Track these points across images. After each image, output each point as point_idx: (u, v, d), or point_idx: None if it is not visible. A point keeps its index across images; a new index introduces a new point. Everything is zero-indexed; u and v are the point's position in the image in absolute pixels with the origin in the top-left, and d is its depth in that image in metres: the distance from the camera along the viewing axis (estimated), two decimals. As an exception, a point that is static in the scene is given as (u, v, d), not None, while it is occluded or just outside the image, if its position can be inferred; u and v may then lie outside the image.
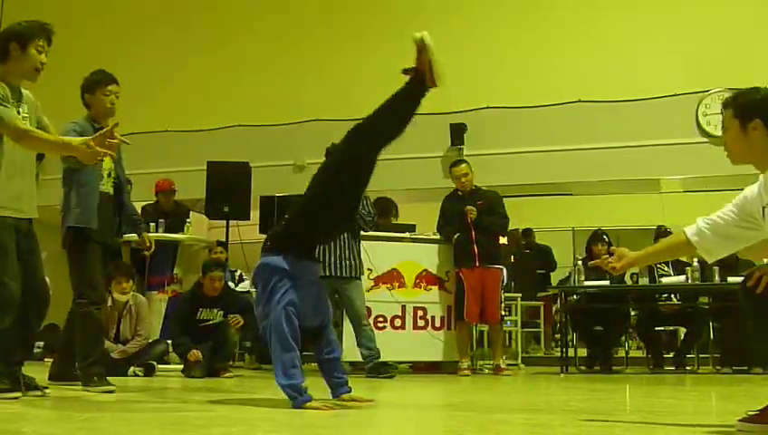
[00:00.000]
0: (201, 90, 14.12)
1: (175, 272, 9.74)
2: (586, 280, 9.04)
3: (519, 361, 10.12)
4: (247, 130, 13.85)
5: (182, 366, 7.93)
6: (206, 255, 10.43)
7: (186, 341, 7.86)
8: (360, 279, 8.13)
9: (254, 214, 12.02)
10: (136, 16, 14.76)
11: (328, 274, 7.85)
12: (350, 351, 8.15)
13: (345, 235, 7.96)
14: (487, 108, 12.75)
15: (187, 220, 9.99)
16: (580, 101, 12.50)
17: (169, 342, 8.33)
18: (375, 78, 13.60)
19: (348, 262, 7.97)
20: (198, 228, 10.69)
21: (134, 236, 6.52)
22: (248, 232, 12.31)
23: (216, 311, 8.12)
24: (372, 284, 8.54)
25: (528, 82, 12.90)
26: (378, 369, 7.83)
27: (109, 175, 5.93)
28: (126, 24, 14.67)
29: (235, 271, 11.05)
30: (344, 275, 7.97)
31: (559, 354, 9.44)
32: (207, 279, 8.14)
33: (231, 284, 10.04)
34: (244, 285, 10.88)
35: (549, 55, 13.03)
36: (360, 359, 8.13)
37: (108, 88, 5.88)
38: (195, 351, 7.73)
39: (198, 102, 14.03)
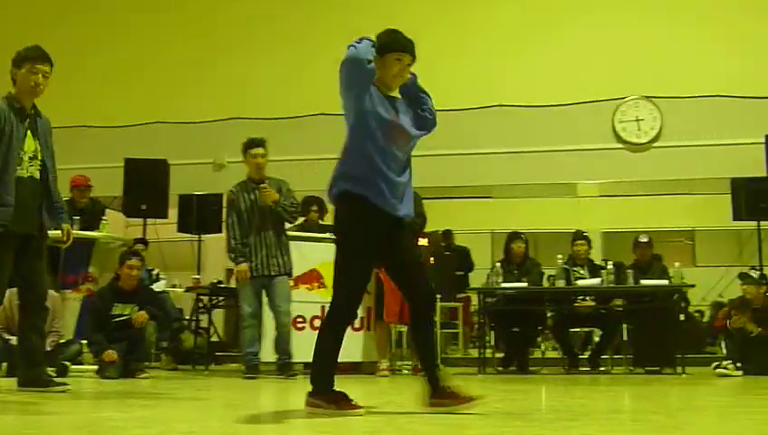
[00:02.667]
0: (118, 84, 13.90)
1: (90, 270, 9.53)
2: (503, 282, 9.15)
3: (438, 361, 10.17)
4: (166, 127, 13.69)
5: (96, 367, 7.78)
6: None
7: (101, 340, 7.71)
8: (288, 276, 8.08)
9: (173, 212, 11.87)
10: (51, 7, 14.45)
11: (256, 273, 7.84)
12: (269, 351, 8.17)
13: (272, 232, 7.94)
14: (409, 110, 12.79)
15: (103, 218, 9.79)
16: (500, 105, 12.66)
17: (84, 342, 8.15)
18: (300, 78, 13.62)
19: (275, 259, 7.93)
20: (115, 226, 10.50)
21: (57, 232, 5.89)
22: (166, 230, 12.16)
23: (130, 307, 7.96)
24: (292, 284, 8.49)
25: (450, 85, 13.00)
26: (285, 369, 7.84)
27: (33, 158, 5.53)
28: (41, 15, 14.34)
29: (152, 270, 10.88)
30: (272, 273, 7.92)
31: (477, 355, 9.52)
32: (125, 268, 7.99)
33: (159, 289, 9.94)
34: (160, 285, 10.72)
35: (470, 60, 13.16)
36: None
37: (36, 66, 5.53)
38: (110, 351, 7.58)
39: (116, 98, 13.81)
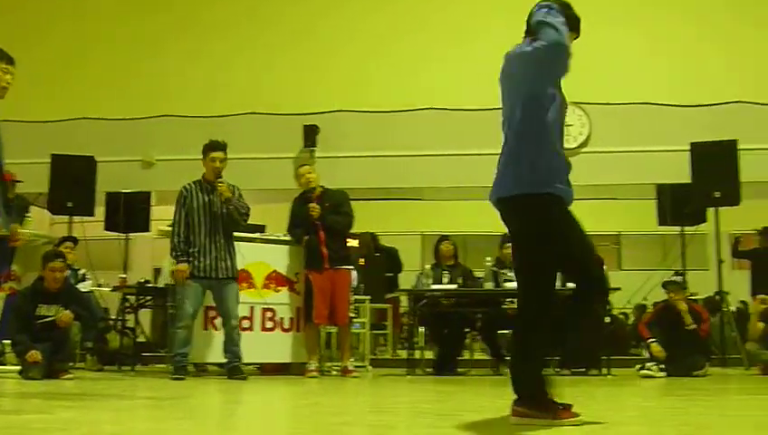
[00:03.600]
0: (46, 80, 13.63)
1: (13, 269, 9.32)
2: (433, 283, 9.19)
3: (367, 362, 10.19)
4: (94, 124, 13.46)
5: (19, 368, 7.61)
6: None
7: (24, 340, 7.54)
8: (235, 280, 8.05)
9: (99, 210, 11.69)
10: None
11: (204, 274, 7.80)
12: (200, 351, 8.10)
13: (222, 235, 7.94)
14: (341, 111, 12.82)
15: (27, 214, 9.58)
16: (431, 108, 12.73)
17: (6, 342, 7.96)
18: (230, 76, 13.53)
19: (224, 263, 7.91)
20: (39, 223, 10.30)
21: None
22: (92, 229, 11.96)
23: (55, 307, 7.80)
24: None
25: (381, 88, 13.05)
26: (233, 371, 7.78)
27: None
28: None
29: (78, 270, 10.68)
30: (220, 276, 7.88)
31: (406, 356, 9.55)
32: (48, 270, 7.82)
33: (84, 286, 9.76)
34: (86, 285, 10.54)
35: (400, 62, 13.22)
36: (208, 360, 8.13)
37: (8, 66, 5.42)
38: (34, 351, 7.41)
39: (43, 93, 13.53)
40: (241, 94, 13.20)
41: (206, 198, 7.95)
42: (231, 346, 7.90)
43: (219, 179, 7.94)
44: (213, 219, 7.92)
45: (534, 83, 3.88)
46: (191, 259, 7.81)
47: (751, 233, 12.06)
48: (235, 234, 8.64)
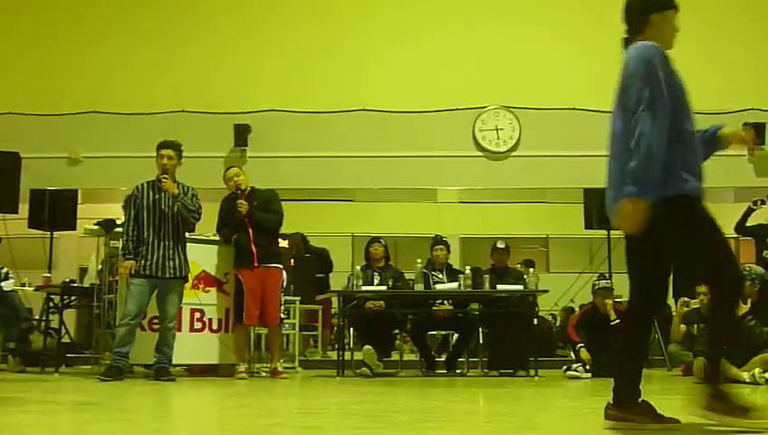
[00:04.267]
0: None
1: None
2: (364, 285, 9.19)
3: (296, 364, 10.16)
4: (18, 119, 13.15)
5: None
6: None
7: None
8: (183, 280, 8.04)
9: (24, 207, 11.44)
10: None
11: (149, 274, 7.76)
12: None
13: (171, 234, 7.91)
14: (273, 111, 12.75)
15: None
16: (363, 109, 12.73)
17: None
18: (162, 74, 13.35)
19: (171, 262, 7.86)
20: (-41, 221, 10.04)
21: None
22: (16, 226, 11.70)
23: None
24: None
25: (313, 88, 13.02)
26: (161, 373, 7.70)
27: None
28: None
29: (1, 268, 10.45)
30: (167, 275, 7.84)
31: (336, 357, 9.53)
32: None
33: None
34: (9, 284, 10.31)
35: (334, 63, 13.21)
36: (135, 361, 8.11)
37: None
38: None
39: (-35, 87, 13.21)
40: (173, 92, 13.04)
41: (155, 197, 7.96)
42: (163, 347, 7.85)
43: (164, 175, 7.93)
44: (160, 217, 7.92)
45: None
46: (138, 257, 7.78)
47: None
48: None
